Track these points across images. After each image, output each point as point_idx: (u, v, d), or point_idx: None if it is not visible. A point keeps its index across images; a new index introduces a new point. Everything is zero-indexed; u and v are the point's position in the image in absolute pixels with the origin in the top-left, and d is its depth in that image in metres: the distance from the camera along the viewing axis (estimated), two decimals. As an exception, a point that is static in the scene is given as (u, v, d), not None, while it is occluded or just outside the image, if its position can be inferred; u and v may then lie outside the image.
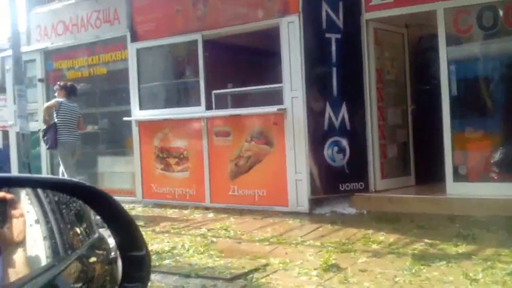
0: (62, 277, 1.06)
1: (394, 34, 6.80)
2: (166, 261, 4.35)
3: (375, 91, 6.41)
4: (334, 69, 6.19)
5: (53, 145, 6.79)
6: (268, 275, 3.73)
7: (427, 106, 6.95)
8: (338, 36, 6.20)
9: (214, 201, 6.86)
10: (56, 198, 1.08)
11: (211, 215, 6.53)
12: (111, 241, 1.07)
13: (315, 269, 3.77)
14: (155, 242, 5.11)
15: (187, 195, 7.14)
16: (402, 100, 6.91)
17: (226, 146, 6.75)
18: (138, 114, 7.54)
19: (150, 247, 4.89)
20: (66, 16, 8.26)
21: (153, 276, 3.91)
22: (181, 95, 7.74)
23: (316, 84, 6.20)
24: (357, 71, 6.29)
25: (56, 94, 7.03)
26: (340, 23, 6.21)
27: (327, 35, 6.18)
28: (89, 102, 8.22)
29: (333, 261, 3.88)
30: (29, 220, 0.97)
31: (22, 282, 0.87)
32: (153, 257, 4.47)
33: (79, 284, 1.10)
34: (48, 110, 6.84)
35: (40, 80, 8.11)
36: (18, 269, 0.86)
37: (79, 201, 1.09)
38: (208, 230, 5.60)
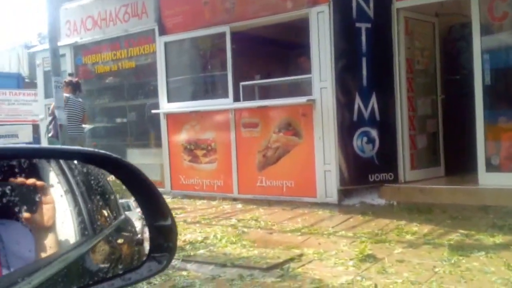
0: (90, 255, 1.09)
1: (425, 23, 6.70)
2: (201, 251, 4.40)
3: (405, 81, 6.34)
4: (364, 59, 6.14)
5: (55, 135, 6.98)
6: (304, 265, 3.75)
7: (457, 96, 6.86)
8: (368, 25, 6.14)
9: (242, 192, 6.90)
10: (86, 182, 1.13)
11: (239, 206, 6.57)
12: (138, 224, 1.11)
13: (351, 259, 3.77)
14: (188, 232, 5.17)
15: (214, 186, 7.19)
16: (432, 90, 6.82)
17: (254, 138, 6.77)
18: (166, 106, 7.60)
19: (182, 237, 4.97)
20: (94, 11, 8.36)
21: (189, 266, 3.97)
22: (209, 87, 7.78)
23: (346, 74, 6.16)
24: (387, 61, 6.22)
25: (62, 89, 7.23)
26: (370, 12, 6.14)
27: (357, 24, 6.12)
28: (117, 95, 8.32)
29: (369, 252, 3.87)
30: (59, 201, 1.01)
31: (51, 259, 0.91)
32: (187, 247, 4.54)
33: (107, 263, 1.14)
34: (55, 109, 7.08)
35: (70, 75, 8.22)
36: (48, 249, 0.89)
37: (108, 185, 1.13)
38: (238, 220, 5.64)
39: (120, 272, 1.05)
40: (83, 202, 1.09)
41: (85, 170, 1.14)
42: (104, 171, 1.06)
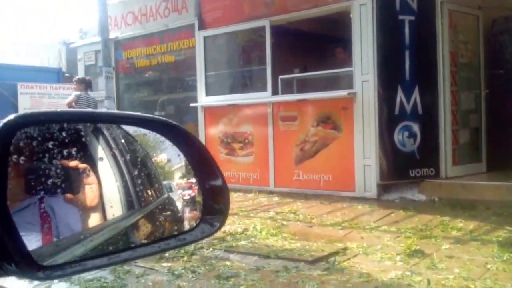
0: (140, 224, 1.13)
1: (469, 16, 6.55)
2: (242, 242, 4.42)
3: (448, 74, 6.22)
4: (407, 52, 6.04)
5: None
6: (349, 259, 3.73)
7: (501, 90, 6.69)
8: (412, 18, 6.04)
9: (278, 185, 6.90)
10: (133, 159, 1.16)
11: (276, 199, 6.58)
12: (178, 204, 1.13)
13: (398, 254, 3.73)
14: (227, 223, 5.20)
15: (250, 179, 7.22)
16: (475, 84, 6.67)
17: (292, 131, 6.75)
18: (204, 100, 7.66)
19: (222, 228, 5.01)
20: (135, 7, 8.49)
21: (232, 256, 4.00)
22: (247, 81, 7.80)
23: (388, 67, 6.08)
24: (431, 54, 6.11)
25: (74, 87, 7.50)
26: (414, 4, 6.04)
27: (400, 17, 6.03)
28: (156, 89, 8.44)
29: (416, 247, 3.82)
30: (107, 176, 1.06)
31: (94, 231, 0.95)
32: (228, 238, 4.57)
33: (149, 238, 1.17)
34: (68, 106, 7.36)
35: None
36: (93, 222, 0.95)
37: (154, 165, 1.17)
38: (276, 213, 5.65)
39: (175, 233, 1.10)
40: (130, 178, 1.13)
41: (132, 147, 1.18)
42: (158, 141, 1.10)
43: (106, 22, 5.09)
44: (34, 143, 0.83)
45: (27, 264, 0.69)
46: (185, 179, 1.14)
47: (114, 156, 1.11)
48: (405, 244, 3.94)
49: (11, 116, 0.73)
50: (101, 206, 0.96)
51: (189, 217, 1.14)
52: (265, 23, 6.93)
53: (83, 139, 0.99)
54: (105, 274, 3.62)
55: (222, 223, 1.01)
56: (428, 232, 4.39)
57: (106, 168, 1.07)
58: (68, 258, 0.84)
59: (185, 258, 3.96)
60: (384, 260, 3.64)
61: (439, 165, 6.20)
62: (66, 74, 12.67)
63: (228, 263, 3.79)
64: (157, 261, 3.91)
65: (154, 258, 4.00)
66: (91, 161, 1.01)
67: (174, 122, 0.99)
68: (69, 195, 0.84)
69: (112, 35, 8.81)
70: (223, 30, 7.52)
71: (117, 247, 1.04)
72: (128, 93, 8.55)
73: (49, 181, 0.80)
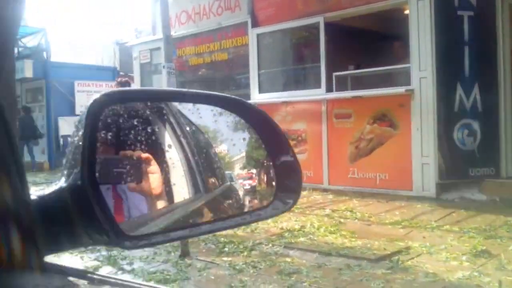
0: (203, 210, 1.15)
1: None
2: (301, 239, 4.46)
3: (509, 71, 6.03)
4: (466, 48, 5.90)
5: None
6: (412, 258, 3.71)
7: None
8: (471, 13, 5.89)
9: (332, 183, 6.90)
10: (196, 147, 1.19)
11: (330, 196, 6.59)
12: (241, 193, 1.14)
13: (463, 254, 3.68)
14: (283, 220, 5.26)
15: (304, 177, 7.16)
16: (538, 80, 6.42)
17: (347, 129, 6.73)
18: (257, 97, 7.74)
19: (279, 225, 5.07)
20: (189, 6, 8.66)
21: (291, 252, 4.05)
22: (300, 78, 7.82)
23: (447, 63, 5.95)
24: (491, 50, 5.94)
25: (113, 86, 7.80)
26: (473, 0, 5.89)
27: (459, 12, 5.89)
28: (210, 86, 8.58)
29: (482, 247, 3.76)
30: (175, 161, 1.09)
31: (165, 211, 0.98)
32: (286, 234, 4.63)
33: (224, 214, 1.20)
34: None
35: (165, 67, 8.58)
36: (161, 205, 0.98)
37: (216, 155, 1.18)
38: (333, 211, 5.66)
39: (249, 210, 1.13)
40: (195, 164, 1.16)
41: (196, 135, 1.21)
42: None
43: (167, 18, 5.22)
44: (121, 120, 0.90)
45: (115, 234, 0.73)
46: (245, 170, 1.14)
47: (180, 143, 1.15)
48: (470, 244, 3.88)
49: (100, 95, 0.77)
50: (167, 191, 0.99)
51: (248, 206, 1.17)
52: (319, 19, 6.92)
53: (153, 127, 1.04)
54: (168, 267, 3.75)
55: (295, 201, 1.02)
56: (492, 232, 4.30)
57: (174, 154, 1.11)
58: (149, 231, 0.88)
59: (245, 253, 4.03)
60: (450, 260, 3.61)
61: (500, 164, 6.03)
62: (121, 73, 13.09)
63: (288, 259, 3.84)
64: (217, 255, 4.02)
65: (214, 252, 4.13)
66: (159, 146, 1.06)
67: (249, 102, 1.05)
68: (132, 184, 0.89)
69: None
70: (276, 28, 7.56)
71: (195, 221, 1.07)
72: (182, 91, 8.74)
73: (115, 171, 0.86)
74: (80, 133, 0.74)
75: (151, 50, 9.15)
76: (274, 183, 1.06)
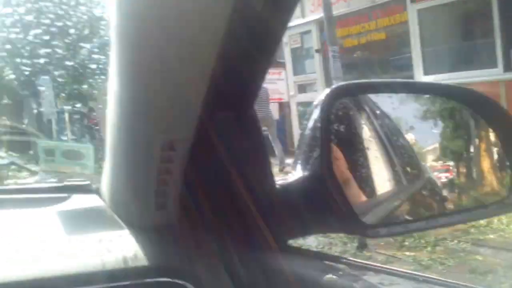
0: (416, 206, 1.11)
1: None
2: (490, 236, 4.13)
3: None
4: None
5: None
6: None
7: None
8: None
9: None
10: (393, 138, 1.12)
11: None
12: (439, 183, 1.08)
13: None
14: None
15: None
16: None
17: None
18: (422, 79, 7.12)
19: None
20: (338, -15, 8.22)
21: (481, 250, 3.81)
22: (470, 56, 7.00)
23: None
24: None
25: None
26: None
27: None
28: (366, 70, 8.16)
29: None
30: (376, 153, 1.05)
31: (380, 201, 0.97)
32: (472, 230, 4.27)
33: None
34: None
35: (317, 51, 8.36)
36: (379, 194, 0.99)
37: (412, 149, 1.12)
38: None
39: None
40: (395, 155, 1.12)
41: (391, 126, 1.15)
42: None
43: None
44: (351, 113, 0.93)
45: (355, 221, 0.74)
46: (440, 162, 1.11)
47: (377, 132, 1.11)
48: None
49: (332, 87, 0.80)
50: (378, 182, 0.99)
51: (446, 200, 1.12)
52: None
53: (359, 119, 1.03)
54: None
55: None
56: None
57: (377, 145, 1.08)
58: (375, 218, 0.89)
59: (429, 248, 3.89)
60: None
61: None
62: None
63: (479, 257, 3.64)
64: (397, 249, 3.91)
65: (394, 246, 3.99)
66: (368, 138, 1.06)
67: (491, 98, 0.99)
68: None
69: (316, 15, 8.70)
70: (439, 1, 6.82)
71: (431, 214, 1.07)
72: (335, 75, 8.43)
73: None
74: (311, 124, 0.77)
75: (302, 33, 8.94)
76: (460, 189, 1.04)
